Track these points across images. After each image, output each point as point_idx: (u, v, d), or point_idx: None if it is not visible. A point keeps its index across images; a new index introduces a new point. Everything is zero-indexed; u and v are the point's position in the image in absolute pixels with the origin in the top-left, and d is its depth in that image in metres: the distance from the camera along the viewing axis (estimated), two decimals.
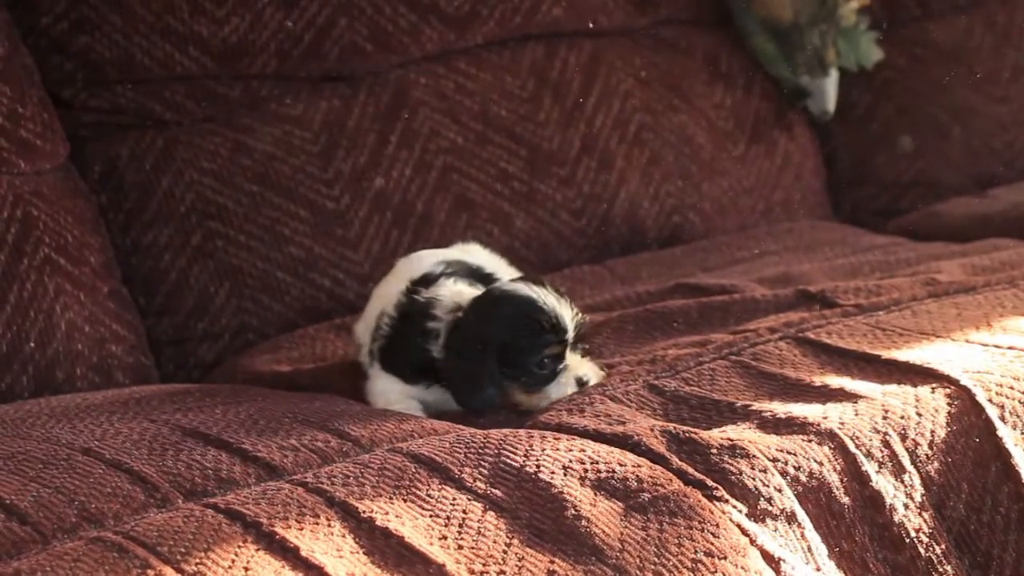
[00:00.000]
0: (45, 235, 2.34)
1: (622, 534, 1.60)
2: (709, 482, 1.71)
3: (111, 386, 2.30)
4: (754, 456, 1.75)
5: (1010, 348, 1.99)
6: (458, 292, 2.02)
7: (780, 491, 1.72)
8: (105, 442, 1.78)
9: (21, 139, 2.38)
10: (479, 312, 1.97)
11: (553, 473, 1.66)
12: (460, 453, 1.70)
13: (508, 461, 1.68)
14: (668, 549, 1.59)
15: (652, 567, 1.57)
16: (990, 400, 1.89)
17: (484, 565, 1.53)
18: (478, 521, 1.58)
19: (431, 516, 1.58)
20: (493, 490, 1.63)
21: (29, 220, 2.33)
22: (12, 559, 1.50)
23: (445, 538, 1.55)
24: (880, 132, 3.17)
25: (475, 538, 1.56)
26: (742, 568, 1.61)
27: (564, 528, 1.59)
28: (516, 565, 1.53)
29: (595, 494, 1.64)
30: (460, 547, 1.54)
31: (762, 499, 1.71)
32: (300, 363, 2.34)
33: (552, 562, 1.54)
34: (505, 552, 1.55)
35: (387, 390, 2.04)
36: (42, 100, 2.47)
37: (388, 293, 2.09)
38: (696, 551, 1.60)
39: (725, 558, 1.61)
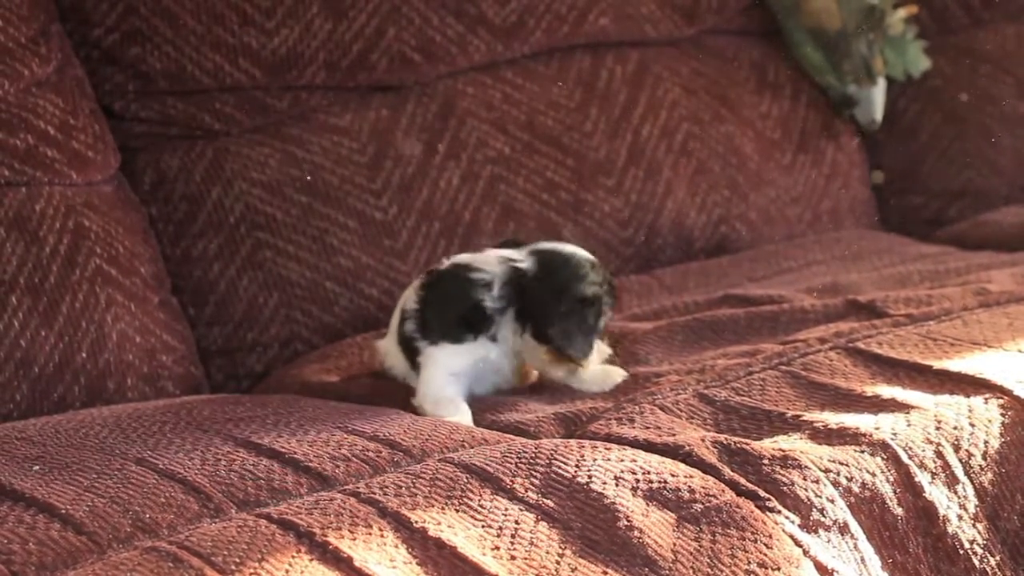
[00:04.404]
0: (96, 246, 2.35)
1: (675, 545, 1.59)
2: (761, 493, 1.71)
3: (161, 396, 2.32)
4: (806, 467, 1.74)
5: None
6: (493, 252, 2.07)
7: (833, 502, 1.72)
8: (158, 452, 1.79)
9: (73, 150, 2.39)
10: (560, 267, 2.04)
11: (605, 483, 1.66)
12: (511, 463, 1.70)
13: (559, 471, 1.68)
14: (721, 560, 1.59)
15: None
16: None
17: (537, 575, 1.52)
18: (530, 531, 1.58)
19: (483, 526, 1.58)
20: (545, 500, 1.63)
21: (81, 231, 2.34)
22: (68, 568, 1.51)
23: (498, 548, 1.55)
24: (928, 141, 3.16)
25: (528, 548, 1.56)
26: None
27: (617, 539, 1.59)
28: (569, 575, 1.53)
29: (647, 504, 1.64)
30: (513, 558, 1.54)
31: (815, 510, 1.71)
32: (349, 372, 2.34)
33: (605, 572, 1.54)
34: (558, 563, 1.55)
35: (442, 365, 2.05)
36: (94, 111, 2.49)
37: (405, 294, 2.15)
38: (749, 562, 1.60)
39: (778, 569, 1.60)
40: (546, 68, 2.87)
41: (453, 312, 2.06)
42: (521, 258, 2.06)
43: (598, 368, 2.10)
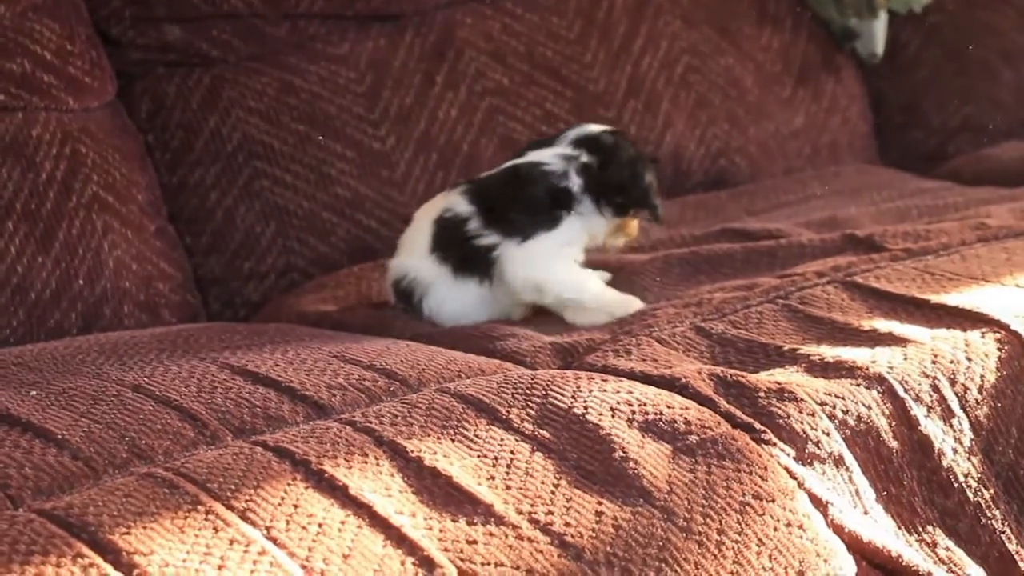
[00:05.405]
0: (93, 173, 2.34)
1: (670, 476, 1.60)
2: (757, 425, 1.71)
3: (158, 324, 2.32)
4: (802, 400, 1.74)
5: None
6: (540, 153, 2.14)
7: (828, 435, 1.72)
8: (154, 379, 1.79)
9: (70, 76, 2.38)
10: (624, 143, 2.15)
11: (601, 415, 1.66)
12: (507, 394, 1.70)
13: (555, 402, 1.68)
14: (716, 491, 1.59)
15: (700, 509, 1.57)
16: None
17: (532, 505, 1.53)
18: (526, 462, 1.59)
19: (479, 456, 1.58)
20: (540, 431, 1.63)
21: (77, 157, 2.33)
22: (64, 493, 1.51)
23: (493, 478, 1.56)
24: (929, 76, 3.14)
25: (523, 478, 1.56)
26: (790, 511, 1.61)
27: (612, 469, 1.59)
28: (564, 505, 1.54)
29: (643, 436, 1.64)
30: (508, 487, 1.55)
31: (810, 442, 1.71)
32: (345, 302, 2.34)
33: (600, 503, 1.55)
34: (553, 493, 1.55)
35: (542, 255, 2.09)
36: (90, 37, 2.47)
37: (430, 213, 2.14)
38: (744, 494, 1.60)
39: (773, 501, 1.61)
40: None
41: (544, 199, 2.09)
42: (576, 153, 2.11)
43: (616, 295, 2.14)
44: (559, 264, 2.10)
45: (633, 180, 2.12)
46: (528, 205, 2.08)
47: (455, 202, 2.11)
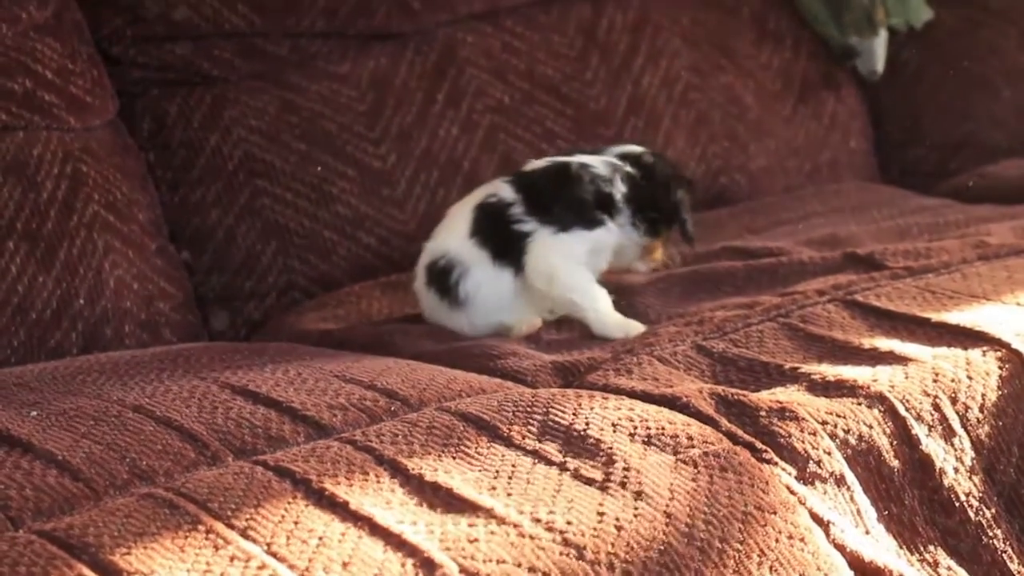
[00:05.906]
0: (94, 192, 2.34)
1: (672, 484, 1.59)
2: (758, 444, 1.71)
3: (159, 343, 2.31)
4: (803, 419, 1.74)
5: None
6: (589, 158, 2.19)
7: (829, 454, 1.72)
8: (155, 399, 1.79)
9: (71, 95, 2.38)
10: (664, 161, 2.25)
11: (602, 430, 1.66)
12: (508, 411, 1.70)
13: (556, 419, 1.68)
14: (718, 500, 1.59)
15: (702, 516, 1.56)
16: None
17: (534, 507, 1.52)
18: (527, 472, 1.58)
19: (480, 471, 1.58)
20: (542, 446, 1.63)
21: (79, 176, 2.33)
22: (65, 514, 1.51)
23: (495, 488, 1.55)
24: (929, 93, 3.14)
25: (524, 486, 1.56)
26: (792, 524, 1.61)
27: (613, 477, 1.59)
28: (566, 505, 1.53)
29: (645, 448, 1.64)
30: (509, 494, 1.54)
31: (811, 462, 1.71)
32: (346, 321, 2.34)
33: (602, 504, 1.54)
34: (555, 495, 1.55)
35: (571, 252, 2.12)
36: (92, 56, 2.47)
37: (469, 203, 2.18)
38: (746, 504, 1.60)
39: (775, 512, 1.60)
40: (546, 16, 2.86)
41: (588, 199, 2.13)
42: (621, 164, 2.17)
43: (619, 318, 2.14)
44: (581, 267, 2.13)
45: (666, 194, 2.17)
46: (572, 201, 2.12)
47: (500, 188, 2.15)
